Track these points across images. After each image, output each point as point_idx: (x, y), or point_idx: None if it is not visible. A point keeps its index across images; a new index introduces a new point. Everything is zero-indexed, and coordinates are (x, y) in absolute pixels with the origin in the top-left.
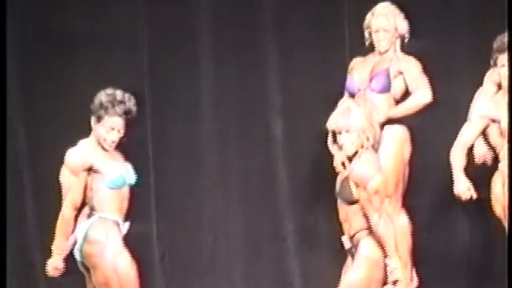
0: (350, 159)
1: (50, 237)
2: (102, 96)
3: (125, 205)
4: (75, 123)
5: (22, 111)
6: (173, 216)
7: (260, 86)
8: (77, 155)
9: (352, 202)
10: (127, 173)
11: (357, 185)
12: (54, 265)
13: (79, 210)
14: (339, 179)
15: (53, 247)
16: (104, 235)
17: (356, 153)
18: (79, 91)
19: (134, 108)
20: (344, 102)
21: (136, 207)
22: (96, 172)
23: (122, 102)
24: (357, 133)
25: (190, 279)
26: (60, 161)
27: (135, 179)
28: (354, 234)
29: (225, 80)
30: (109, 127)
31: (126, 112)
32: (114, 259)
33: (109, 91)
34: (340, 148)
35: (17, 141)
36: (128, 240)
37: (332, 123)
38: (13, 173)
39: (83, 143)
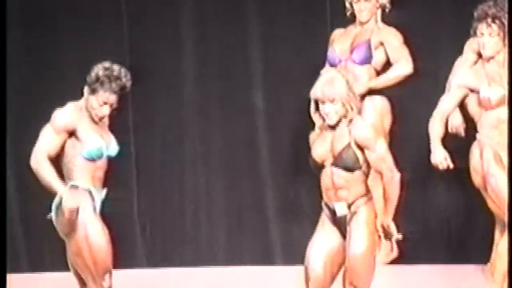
0: (332, 128)
1: (31, 210)
2: (100, 70)
3: (99, 174)
4: (58, 95)
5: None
6: (154, 187)
7: (241, 57)
8: (64, 116)
9: (355, 168)
10: (105, 147)
11: (362, 148)
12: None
13: (51, 160)
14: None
15: (59, 194)
16: (75, 204)
17: (338, 123)
18: (62, 64)
19: (129, 84)
20: (327, 71)
21: (117, 179)
22: (76, 138)
23: (118, 78)
24: (341, 102)
25: (172, 250)
26: None
27: (117, 151)
28: (354, 201)
29: (206, 52)
30: (102, 101)
31: (122, 89)
32: (85, 227)
33: (107, 64)
34: (323, 117)
35: None
36: (109, 211)
37: (318, 92)
38: None
39: (71, 106)
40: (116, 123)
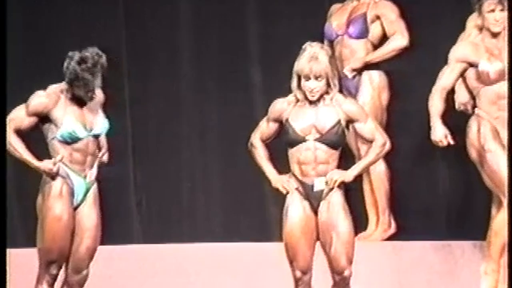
0: (311, 103)
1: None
2: (75, 66)
3: (78, 156)
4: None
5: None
6: (150, 163)
7: (239, 33)
8: (38, 100)
9: (340, 145)
10: (84, 128)
11: (351, 123)
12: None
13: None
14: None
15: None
16: (45, 188)
17: (319, 99)
18: (57, 43)
19: (105, 62)
20: (311, 47)
21: (113, 154)
22: (52, 122)
23: (94, 65)
24: (325, 79)
25: (168, 226)
26: None
27: (105, 130)
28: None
29: (204, 28)
30: (86, 92)
31: (99, 72)
32: (50, 204)
33: (78, 56)
34: (304, 93)
35: None
36: (105, 187)
37: (306, 68)
38: None
39: (50, 90)
40: (112, 98)
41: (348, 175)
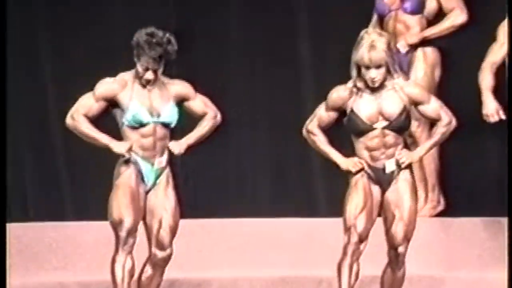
0: (373, 91)
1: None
2: (141, 36)
3: (147, 142)
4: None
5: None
6: None
7: (287, 8)
8: (104, 84)
9: (407, 129)
10: (150, 113)
11: (416, 103)
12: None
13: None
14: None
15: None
16: (116, 171)
17: (381, 86)
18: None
19: (172, 50)
20: (368, 34)
21: None
22: (119, 107)
23: (159, 44)
24: (386, 67)
25: (214, 201)
26: None
27: (174, 120)
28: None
29: (252, 3)
30: (145, 67)
31: (161, 56)
32: (118, 183)
33: (150, 30)
34: (365, 81)
35: (43, 78)
36: None
37: (366, 58)
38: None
39: (119, 76)
40: None
41: (415, 156)
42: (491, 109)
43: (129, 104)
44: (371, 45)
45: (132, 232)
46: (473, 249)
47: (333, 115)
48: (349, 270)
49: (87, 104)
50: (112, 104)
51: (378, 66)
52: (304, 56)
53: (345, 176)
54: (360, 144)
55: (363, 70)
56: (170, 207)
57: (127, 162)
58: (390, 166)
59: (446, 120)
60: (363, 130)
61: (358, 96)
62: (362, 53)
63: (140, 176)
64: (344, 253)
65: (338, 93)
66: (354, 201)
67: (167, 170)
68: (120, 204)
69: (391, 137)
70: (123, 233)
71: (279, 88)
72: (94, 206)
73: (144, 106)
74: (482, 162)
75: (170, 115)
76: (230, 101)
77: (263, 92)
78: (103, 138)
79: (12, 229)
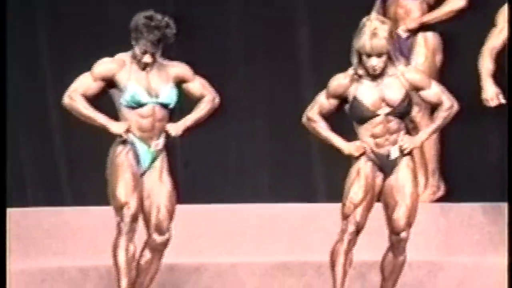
0: (374, 78)
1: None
2: (140, 19)
3: (145, 123)
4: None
5: (47, 29)
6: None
7: None
8: (102, 64)
9: (409, 114)
10: (148, 93)
11: (418, 89)
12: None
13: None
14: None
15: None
16: (112, 152)
17: (381, 73)
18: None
19: (170, 34)
20: (369, 21)
21: None
22: (117, 87)
23: (157, 28)
24: (387, 55)
25: (214, 187)
26: None
27: (173, 101)
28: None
29: None
30: (143, 50)
31: (160, 39)
32: (114, 165)
33: (148, 13)
34: (366, 68)
35: (42, 60)
36: None
37: (367, 47)
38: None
39: (117, 56)
40: None
41: (417, 141)
42: (491, 93)
43: (127, 84)
44: (373, 32)
45: (136, 217)
46: (472, 234)
47: (333, 102)
48: (345, 256)
49: (85, 83)
50: (110, 84)
51: (379, 54)
52: (303, 43)
53: (345, 161)
54: (365, 131)
55: (364, 57)
56: (167, 192)
57: (124, 142)
58: (395, 153)
59: (448, 104)
60: (367, 117)
61: (359, 83)
62: (363, 40)
63: (135, 157)
64: (340, 239)
65: (339, 81)
66: (355, 189)
67: (163, 154)
68: (125, 187)
69: (394, 123)
70: (127, 218)
71: (279, 72)
72: (92, 192)
73: (142, 87)
74: (482, 147)
75: (169, 96)
76: (229, 86)
77: (263, 76)
78: (101, 118)
79: (11, 214)
